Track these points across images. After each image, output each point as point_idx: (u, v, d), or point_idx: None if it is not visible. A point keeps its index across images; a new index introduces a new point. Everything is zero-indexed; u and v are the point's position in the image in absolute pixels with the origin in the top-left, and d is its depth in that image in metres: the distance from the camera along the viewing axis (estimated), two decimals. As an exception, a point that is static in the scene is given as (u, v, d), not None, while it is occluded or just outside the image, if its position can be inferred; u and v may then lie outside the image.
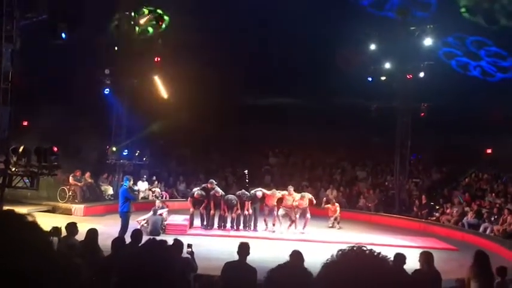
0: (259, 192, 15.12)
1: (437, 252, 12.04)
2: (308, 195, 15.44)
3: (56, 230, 7.07)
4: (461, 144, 23.79)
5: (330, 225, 17.00)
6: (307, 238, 14.24)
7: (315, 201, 15.98)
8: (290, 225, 15.12)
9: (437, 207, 18.66)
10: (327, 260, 1.40)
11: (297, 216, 15.06)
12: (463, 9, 19.19)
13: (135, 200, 12.06)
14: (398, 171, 20.53)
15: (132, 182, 13.14)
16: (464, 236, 15.97)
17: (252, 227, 15.11)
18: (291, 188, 15.31)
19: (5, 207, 8.70)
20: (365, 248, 1.39)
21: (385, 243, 14.20)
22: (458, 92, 19.63)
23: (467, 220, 16.89)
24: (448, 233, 16.62)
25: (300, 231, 15.04)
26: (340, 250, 1.40)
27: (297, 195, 15.19)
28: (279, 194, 15.29)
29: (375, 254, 1.37)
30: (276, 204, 15.19)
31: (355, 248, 1.39)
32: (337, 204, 17.52)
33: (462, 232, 16.45)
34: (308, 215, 15.15)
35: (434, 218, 18.30)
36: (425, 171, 22.78)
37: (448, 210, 18.10)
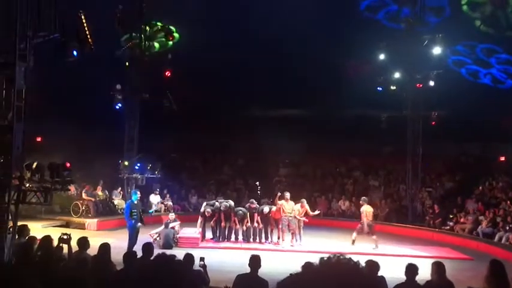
0: (266, 208, 15.07)
1: (451, 262, 11.95)
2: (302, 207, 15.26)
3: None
4: (474, 152, 23.59)
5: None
6: (318, 249, 14.11)
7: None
8: (292, 238, 14.96)
9: (451, 216, 18.46)
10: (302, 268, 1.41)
11: (295, 226, 14.94)
12: (464, 6, 19.17)
13: (131, 218, 12.17)
14: (411, 180, 20.40)
15: (139, 196, 13.20)
16: (479, 245, 15.77)
17: (264, 239, 15.11)
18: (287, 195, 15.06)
19: (20, 223, 8.83)
20: (342, 257, 1.41)
21: (397, 253, 14.11)
22: (468, 100, 19.52)
23: (482, 229, 16.68)
24: (462, 242, 16.41)
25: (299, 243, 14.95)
26: (307, 262, 1.41)
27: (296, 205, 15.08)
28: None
29: (352, 263, 1.40)
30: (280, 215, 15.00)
31: (332, 257, 1.41)
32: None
33: (477, 241, 16.26)
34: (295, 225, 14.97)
35: (448, 227, 18.11)
36: (438, 180, 22.56)
37: (462, 219, 17.89)
